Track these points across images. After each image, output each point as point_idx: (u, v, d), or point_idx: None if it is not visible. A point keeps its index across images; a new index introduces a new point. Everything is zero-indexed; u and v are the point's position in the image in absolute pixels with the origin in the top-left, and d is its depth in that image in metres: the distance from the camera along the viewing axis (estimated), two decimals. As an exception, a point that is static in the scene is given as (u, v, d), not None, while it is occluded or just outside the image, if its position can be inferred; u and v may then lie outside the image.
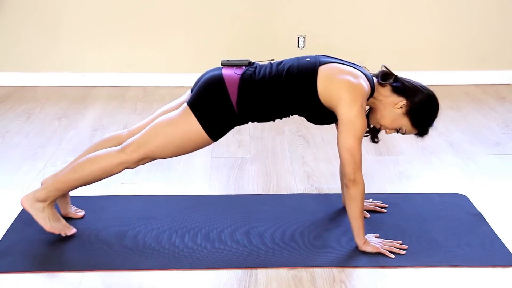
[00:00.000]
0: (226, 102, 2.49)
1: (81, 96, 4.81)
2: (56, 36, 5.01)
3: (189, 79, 5.09)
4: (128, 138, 2.64)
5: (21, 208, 2.88)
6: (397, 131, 2.61)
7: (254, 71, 2.54)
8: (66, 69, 5.08)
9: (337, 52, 4.77)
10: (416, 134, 2.63)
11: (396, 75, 2.59)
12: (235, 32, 5.04)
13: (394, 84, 2.56)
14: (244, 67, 2.57)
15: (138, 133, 2.63)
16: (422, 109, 2.55)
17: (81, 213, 2.77)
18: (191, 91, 2.66)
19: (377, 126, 2.64)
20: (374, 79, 2.59)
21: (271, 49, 5.05)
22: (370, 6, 5.02)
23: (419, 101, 2.53)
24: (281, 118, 2.62)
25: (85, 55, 5.07)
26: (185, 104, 2.55)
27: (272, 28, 5.04)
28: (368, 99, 2.54)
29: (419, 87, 2.57)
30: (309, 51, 5.05)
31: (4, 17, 4.95)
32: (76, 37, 5.01)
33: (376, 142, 2.74)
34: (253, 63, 2.60)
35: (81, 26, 5.00)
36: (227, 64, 2.59)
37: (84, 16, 4.98)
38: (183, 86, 5.10)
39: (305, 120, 2.64)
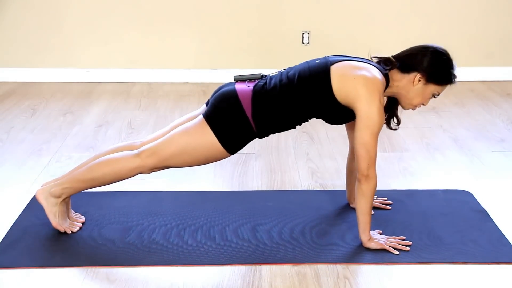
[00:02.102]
0: (242, 117, 2.48)
1: (85, 92, 4.82)
2: (61, 32, 5.02)
3: (194, 75, 5.13)
4: (140, 147, 2.63)
5: (26, 203, 2.89)
6: (434, 97, 2.59)
7: (266, 82, 2.53)
8: (71, 65, 5.09)
9: (342, 48, 4.79)
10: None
11: (392, 57, 2.56)
12: (240, 28, 5.04)
13: (398, 65, 2.55)
14: (256, 80, 2.56)
15: (151, 142, 2.63)
16: (437, 68, 2.51)
17: (81, 218, 2.76)
18: (206, 105, 2.64)
19: (413, 108, 2.62)
20: (386, 68, 2.57)
21: (276, 45, 5.06)
22: (375, 1, 5.01)
23: (429, 65, 2.50)
24: (300, 124, 2.60)
25: (90, 51, 5.07)
26: (201, 116, 2.55)
27: (277, 24, 5.03)
28: (385, 90, 2.53)
29: (418, 52, 2.53)
30: (314, 47, 5.05)
31: (8, 12, 4.96)
32: (81, 33, 5.02)
33: (396, 129, 2.71)
34: (266, 75, 2.60)
35: (86, 22, 5.00)
36: (240, 79, 2.59)
37: (89, 12, 4.98)
38: (187, 82, 5.11)
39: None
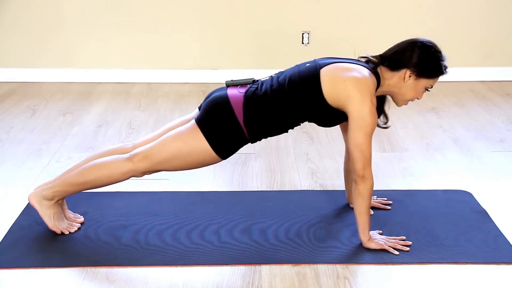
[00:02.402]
0: (234, 123, 2.49)
1: (85, 92, 4.82)
2: (61, 32, 5.02)
3: (194, 76, 5.13)
4: (132, 150, 2.63)
5: (26, 203, 2.89)
6: (427, 90, 2.57)
7: (257, 88, 2.53)
8: (71, 65, 5.09)
9: (342, 48, 4.79)
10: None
11: (380, 55, 2.56)
12: (240, 28, 5.04)
13: (386, 64, 2.54)
14: (248, 86, 2.56)
15: (142, 145, 2.63)
16: (426, 62, 2.50)
17: (80, 219, 2.76)
18: (199, 109, 2.64)
19: (406, 103, 2.61)
20: (376, 68, 2.56)
21: (276, 46, 5.05)
22: (375, 2, 5.01)
23: (418, 60, 2.49)
24: (292, 128, 2.60)
25: (90, 51, 5.07)
26: (193, 121, 2.55)
27: (277, 24, 5.03)
28: (377, 89, 2.53)
29: (405, 48, 2.52)
30: (313, 47, 5.05)
31: (8, 12, 4.96)
32: (81, 33, 5.02)
33: (385, 127, 2.68)
34: (257, 80, 2.60)
35: (86, 22, 5.00)
36: (232, 84, 2.59)
37: (89, 12, 4.98)
38: (187, 83, 5.11)
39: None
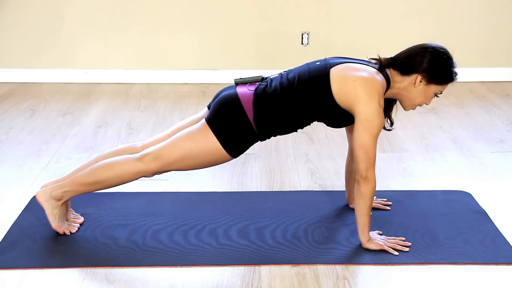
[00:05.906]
0: (244, 120, 2.49)
1: (85, 93, 4.82)
2: (60, 33, 5.02)
3: (193, 76, 5.13)
4: (141, 150, 2.63)
5: (26, 204, 2.89)
6: (436, 96, 2.57)
7: (267, 85, 2.54)
8: (70, 65, 5.09)
9: (341, 49, 4.80)
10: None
11: (391, 58, 2.55)
12: (239, 29, 5.04)
13: (397, 68, 2.53)
14: (257, 83, 2.57)
15: (152, 146, 2.63)
16: (437, 69, 2.49)
17: (80, 219, 2.76)
18: (208, 108, 2.65)
19: (414, 108, 2.60)
20: (387, 70, 2.55)
21: (275, 46, 5.06)
22: (374, 2, 5.01)
23: (429, 65, 2.48)
24: (302, 128, 2.61)
25: (89, 51, 5.07)
26: (203, 120, 2.55)
27: (276, 25, 5.03)
28: (386, 91, 2.52)
29: (417, 53, 2.51)
30: (313, 48, 5.05)
31: (8, 13, 4.96)
32: (80, 33, 5.02)
33: (390, 130, 2.69)
34: (266, 78, 2.60)
35: (85, 23, 5.00)
36: (241, 82, 2.59)
37: (88, 12, 4.99)
38: (187, 83, 5.11)
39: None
